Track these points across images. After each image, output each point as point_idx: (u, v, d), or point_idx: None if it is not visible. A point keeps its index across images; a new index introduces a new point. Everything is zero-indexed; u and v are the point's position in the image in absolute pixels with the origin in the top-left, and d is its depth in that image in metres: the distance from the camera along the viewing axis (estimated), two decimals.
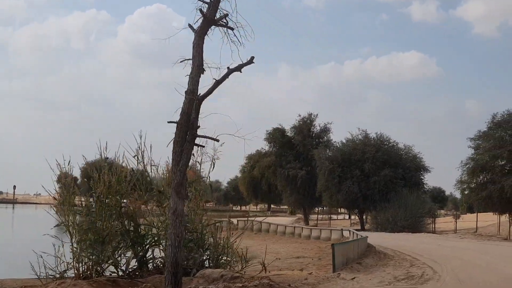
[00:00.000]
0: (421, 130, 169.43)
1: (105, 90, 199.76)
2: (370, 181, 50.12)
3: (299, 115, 62.23)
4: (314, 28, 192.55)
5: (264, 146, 65.54)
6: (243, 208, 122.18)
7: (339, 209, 74.26)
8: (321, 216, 70.45)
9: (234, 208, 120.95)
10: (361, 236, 28.65)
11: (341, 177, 50.78)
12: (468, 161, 40.04)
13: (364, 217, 54.11)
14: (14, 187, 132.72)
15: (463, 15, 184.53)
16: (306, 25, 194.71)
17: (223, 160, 16.85)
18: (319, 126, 61.81)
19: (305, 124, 61.56)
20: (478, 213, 49.23)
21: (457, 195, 46.78)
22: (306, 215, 65.53)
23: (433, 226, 48.52)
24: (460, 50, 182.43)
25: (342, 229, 32.42)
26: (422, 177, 52.99)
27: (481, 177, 40.26)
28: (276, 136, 63.26)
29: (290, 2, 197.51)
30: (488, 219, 47.09)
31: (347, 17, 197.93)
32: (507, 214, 40.02)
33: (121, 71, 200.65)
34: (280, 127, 64.15)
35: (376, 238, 31.91)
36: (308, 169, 57.68)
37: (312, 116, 62.24)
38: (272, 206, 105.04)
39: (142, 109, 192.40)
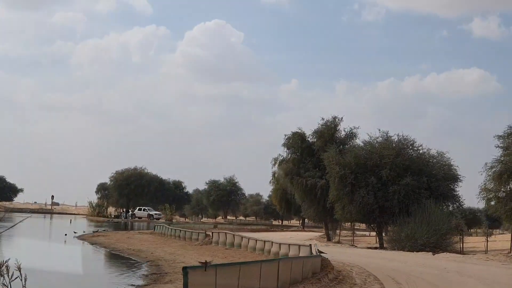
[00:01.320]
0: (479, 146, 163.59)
1: (163, 103, 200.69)
2: (389, 190, 42.19)
3: (322, 118, 54.50)
4: (372, 44, 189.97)
5: (282, 152, 58.20)
6: (286, 222, 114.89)
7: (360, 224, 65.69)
8: (348, 232, 62.05)
9: (274, 222, 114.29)
10: (314, 253, 21.40)
11: (354, 185, 43.00)
12: (494, 163, 31.81)
13: (384, 233, 45.92)
14: (52, 197, 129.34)
15: None
16: (365, 40, 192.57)
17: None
18: (344, 130, 53.96)
19: (328, 128, 53.79)
20: None
21: (481, 206, 38.31)
22: (328, 230, 57.65)
23: (461, 245, 40.02)
24: None
25: (310, 244, 25.12)
26: (453, 188, 44.46)
27: (511, 184, 31.95)
28: (295, 141, 56.08)
29: (349, 17, 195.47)
30: None
31: (406, 32, 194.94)
32: None
33: (178, 85, 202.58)
34: (299, 131, 56.96)
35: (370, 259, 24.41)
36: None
37: (337, 120, 54.45)
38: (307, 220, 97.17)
39: (199, 122, 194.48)
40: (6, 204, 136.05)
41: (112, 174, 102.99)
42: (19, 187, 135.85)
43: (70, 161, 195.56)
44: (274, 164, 58.82)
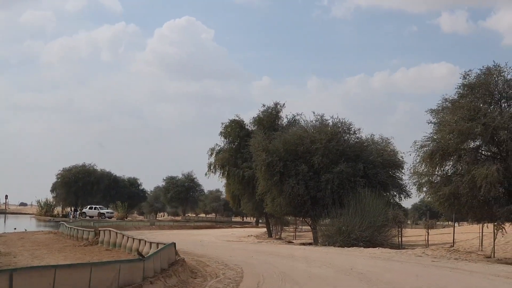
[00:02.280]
0: None
1: (135, 101, 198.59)
2: (321, 179, 37.50)
3: (263, 105, 49.67)
4: (342, 40, 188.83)
5: (220, 142, 53.33)
6: (249, 219, 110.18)
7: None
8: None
9: (236, 219, 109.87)
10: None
11: (283, 174, 38.25)
12: (426, 141, 27.19)
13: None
14: (6, 196, 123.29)
15: (492, 26, 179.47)
16: (335, 36, 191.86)
17: None
18: (287, 118, 49.18)
19: (269, 115, 48.98)
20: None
21: (414, 194, 33.67)
22: (269, 225, 53.04)
23: (399, 239, 35.44)
24: (489, 60, 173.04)
25: (174, 243, 20.24)
26: (395, 176, 39.92)
27: (444, 166, 27.31)
28: (233, 129, 51.40)
29: (318, 14, 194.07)
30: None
31: (375, 28, 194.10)
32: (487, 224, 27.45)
33: (149, 83, 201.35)
34: (237, 118, 52.26)
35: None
36: None
37: (279, 106, 49.66)
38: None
39: (170, 120, 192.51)
40: None
41: (59, 171, 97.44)
42: None
43: (39, 161, 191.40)
44: (211, 155, 53.64)
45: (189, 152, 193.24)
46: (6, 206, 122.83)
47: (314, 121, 41.09)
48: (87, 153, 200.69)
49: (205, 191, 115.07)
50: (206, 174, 54.31)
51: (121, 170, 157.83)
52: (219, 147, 53.32)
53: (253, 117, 50.11)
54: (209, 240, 40.66)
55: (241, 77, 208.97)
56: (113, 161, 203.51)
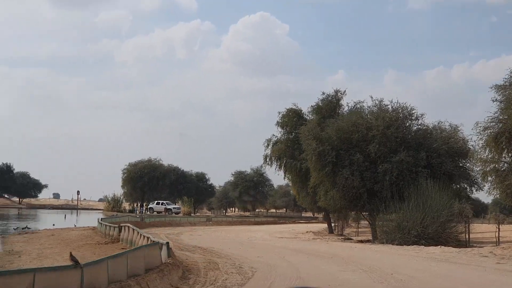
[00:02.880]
0: None
1: (208, 99, 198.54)
2: (378, 170, 33.77)
3: (323, 93, 45.93)
4: (419, 32, 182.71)
5: (276, 132, 50.04)
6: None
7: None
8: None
9: (305, 215, 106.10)
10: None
11: (336, 165, 34.64)
12: (490, 123, 23.18)
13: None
14: (78, 192, 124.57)
15: None
16: (411, 29, 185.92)
17: None
18: (348, 106, 45.27)
19: (328, 103, 45.26)
20: None
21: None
22: (330, 221, 49.44)
23: (467, 236, 31.30)
24: None
25: (168, 242, 17.23)
26: (462, 166, 35.71)
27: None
28: (290, 119, 48.02)
29: (395, 6, 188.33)
30: None
31: (453, 19, 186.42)
32: None
33: (223, 80, 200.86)
34: (295, 107, 48.80)
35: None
36: None
37: (339, 94, 45.81)
38: None
39: (242, 116, 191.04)
40: (32, 200, 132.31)
41: (125, 166, 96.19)
42: (43, 182, 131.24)
43: (114, 158, 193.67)
44: (267, 146, 50.37)
45: (260, 148, 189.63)
46: (78, 202, 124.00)
47: (372, 107, 37.24)
48: (161, 150, 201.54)
49: (275, 186, 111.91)
50: (261, 166, 51.21)
51: (191, 165, 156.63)
52: (276, 138, 50.05)
53: (311, 106, 46.42)
54: (260, 237, 37.57)
55: (315, 72, 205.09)
56: (185, 157, 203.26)
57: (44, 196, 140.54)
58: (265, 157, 50.51)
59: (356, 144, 34.79)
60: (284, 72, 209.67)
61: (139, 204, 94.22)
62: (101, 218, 37.19)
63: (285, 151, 47.57)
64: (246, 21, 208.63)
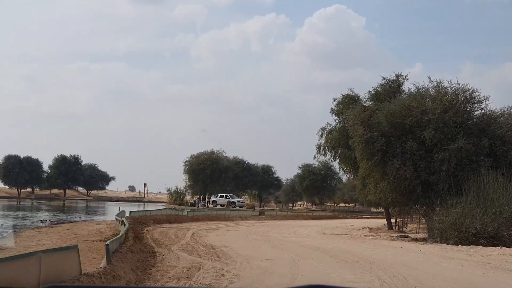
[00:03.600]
0: None
1: (283, 92, 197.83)
2: (434, 159, 29.72)
3: (383, 77, 41.81)
4: (498, 23, 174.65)
5: (331, 121, 46.23)
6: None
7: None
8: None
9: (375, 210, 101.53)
10: None
11: (386, 153, 30.77)
12: None
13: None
14: (145, 185, 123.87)
15: None
16: (490, 20, 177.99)
17: None
18: (410, 91, 41.04)
19: (389, 89, 41.11)
20: None
21: None
22: (389, 216, 45.33)
23: None
24: None
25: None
26: None
27: None
28: (347, 105, 44.03)
29: None
30: None
31: None
32: None
33: (298, 73, 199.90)
34: (351, 93, 44.83)
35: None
36: None
37: (400, 78, 41.60)
38: None
39: (316, 109, 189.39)
40: (100, 192, 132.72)
41: (187, 159, 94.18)
42: (110, 175, 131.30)
43: (188, 152, 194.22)
44: (321, 135, 46.58)
45: None
46: (145, 195, 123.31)
47: (430, 88, 33.04)
48: (235, 143, 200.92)
49: (344, 179, 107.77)
50: (314, 157, 47.42)
51: (261, 159, 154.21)
52: (331, 127, 46.19)
53: (369, 91, 42.31)
54: (304, 234, 34.18)
55: (392, 64, 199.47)
56: (256, 150, 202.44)
57: (121, 188, 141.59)
58: (319, 147, 46.79)
59: (409, 130, 30.82)
60: (360, 65, 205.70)
61: (200, 197, 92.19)
62: (117, 214, 34.20)
63: (340, 140, 43.66)
64: (322, 14, 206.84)
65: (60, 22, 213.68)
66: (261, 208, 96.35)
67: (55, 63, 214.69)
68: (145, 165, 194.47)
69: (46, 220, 37.24)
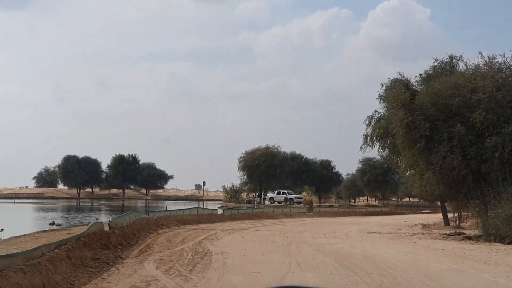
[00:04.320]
0: None
1: (348, 87, 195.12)
2: (486, 145, 25.61)
3: (435, 59, 37.53)
4: None
5: (380, 108, 42.12)
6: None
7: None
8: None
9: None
10: None
11: (430, 139, 26.83)
12: None
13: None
14: (204, 183, 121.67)
15: None
16: None
17: None
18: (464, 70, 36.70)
19: (442, 71, 36.82)
20: None
21: None
22: (445, 211, 41.01)
23: None
24: None
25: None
26: None
27: None
28: (396, 90, 39.95)
29: None
30: None
31: None
32: None
33: (363, 68, 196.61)
34: (401, 77, 40.60)
35: None
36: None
37: (454, 60, 37.24)
38: None
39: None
40: (159, 191, 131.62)
41: (242, 155, 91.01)
42: (169, 174, 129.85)
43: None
44: (368, 124, 42.55)
45: None
46: (204, 193, 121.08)
47: (481, 65, 28.83)
48: (299, 140, 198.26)
49: (407, 173, 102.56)
50: (361, 148, 43.37)
51: (322, 153, 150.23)
52: (379, 115, 42.09)
53: (420, 74, 38.05)
54: (345, 233, 30.60)
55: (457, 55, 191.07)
56: (316, 146, 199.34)
57: (187, 187, 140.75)
58: (365, 137, 42.74)
59: (456, 112, 26.82)
60: (426, 57, 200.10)
61: (256, 194, 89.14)
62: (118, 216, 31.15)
63: (389, 129, 39.68)
64: (385, 6, 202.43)
65: (126, 25, 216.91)
66: (320, 204, 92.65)
67: (123, 65, 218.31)
68: (211, 162, 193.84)
69: (53, 223, 34.12)
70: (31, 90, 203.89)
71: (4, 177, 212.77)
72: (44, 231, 26.62)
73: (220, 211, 42.32)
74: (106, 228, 18.88)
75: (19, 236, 20.66)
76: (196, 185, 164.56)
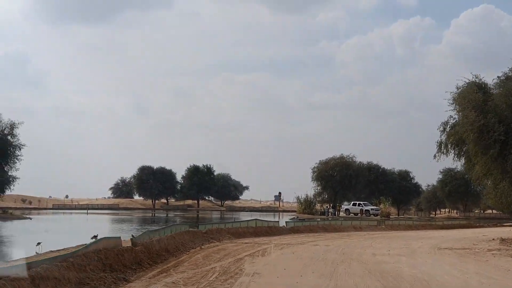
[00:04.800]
0: None
1: (431, 95, 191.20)
2: None
3: None
4: None
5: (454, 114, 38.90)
6: None
7: None
8: None
9: None
10: None
11: (506, 144, 23.84)
12: None
13: None
14: (280, 194, 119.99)
15: None
16: None
17: None
18: None
19: None
20: None
21: None
22: None
23: None
24: None
25: None
26: None
27: None
28: (473, 95, 36.78)
29: None
30: None
31: None
32: None
33: (446, 76, 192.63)
34: (477, 80, 37.36)
35: None
36: None
37: None
38: None
39: None
40: (235, 202, 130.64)
41: (316, 165, 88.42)
42: (244, 184, 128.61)
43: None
44: (443, 131, 39.28)
45: None
46: (280, 204, 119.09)
47: None
48: (377, 150, 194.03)
49: (479, 181, 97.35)
50: (434, 157, 40.06)
51: (397, 163, 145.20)
52: (454, 120, 38.82)
53: (498, 76, 34.70)
54: (413, 249, 27.91)
55: None
56: (394, 155, 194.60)
57: (267, 198, 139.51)
58: (439, 144, 39.47)
59: None
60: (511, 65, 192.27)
61: (330, 205, 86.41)
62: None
63: (460, 133, 36.46)
64: (469, 14, 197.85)
65: (205, 36, 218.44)
66: (399, 216, 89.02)
67: (202, 75, 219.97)
68: (289, 173, 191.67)
69: (96, 236, 31.54)
70: (114, 102, 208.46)
71: (85, 187, 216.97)
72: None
73: (282, 223, 39.98)
74: (128, 244, 16.88)
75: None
76: (275, 196, 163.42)
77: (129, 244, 17.03)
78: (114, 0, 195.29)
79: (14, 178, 62.48)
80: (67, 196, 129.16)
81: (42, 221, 61.89)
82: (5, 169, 60.43)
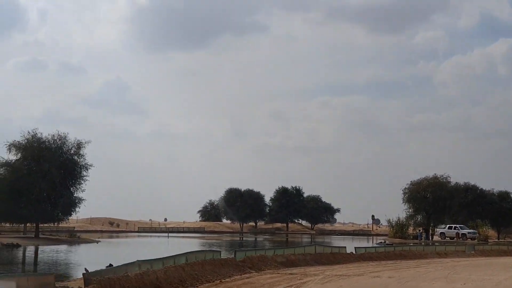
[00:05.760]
0: None
1: None
2: None
3: None
4: None
5: None
6: None
7: None
8: None
9: None
10: None
11: None
12: None
13: None
14: (373, 217, 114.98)
15: None
16: None
17: None
18: None
19: None
20: None
21: None
22: None
23: None
24: None
25: None
26: None
27: None
28: None
29: None
30: None
31: None
32: None
33: None
34: None
35: None
36: None
37: None
38: None
39: None
40: (326, 225, 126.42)
41: (406, 186, 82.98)
42: (335, 207, 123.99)
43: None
44: None
45: None
46: (373, 227, 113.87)
47: None
48: (476, 171, 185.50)
49: None
50: None
51: (496, 185, 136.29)
52: None
53: None
54: (500, 280, 23.07)
55: None
56: (499, 178, 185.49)
57: (362, 221, 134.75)
58: None
59: None
60: None
61: (422, 228, 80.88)
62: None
63: None
64: None
65: (301, 59, 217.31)
66: (499, 240, 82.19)
67: (299, 98, 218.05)
68: (386, 195, 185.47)
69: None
70: (213, 126, 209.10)
71: (182, 210, 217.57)
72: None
73: (350, 249, 35.44)
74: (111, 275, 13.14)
75: None
76: (373, 219, 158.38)
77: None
78: (211, 25, 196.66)
79: (80, 199, 59.14)
80: (150, 220, 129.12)
81: (109, 245, 59.95)
82: (71, 189, 58.34)
